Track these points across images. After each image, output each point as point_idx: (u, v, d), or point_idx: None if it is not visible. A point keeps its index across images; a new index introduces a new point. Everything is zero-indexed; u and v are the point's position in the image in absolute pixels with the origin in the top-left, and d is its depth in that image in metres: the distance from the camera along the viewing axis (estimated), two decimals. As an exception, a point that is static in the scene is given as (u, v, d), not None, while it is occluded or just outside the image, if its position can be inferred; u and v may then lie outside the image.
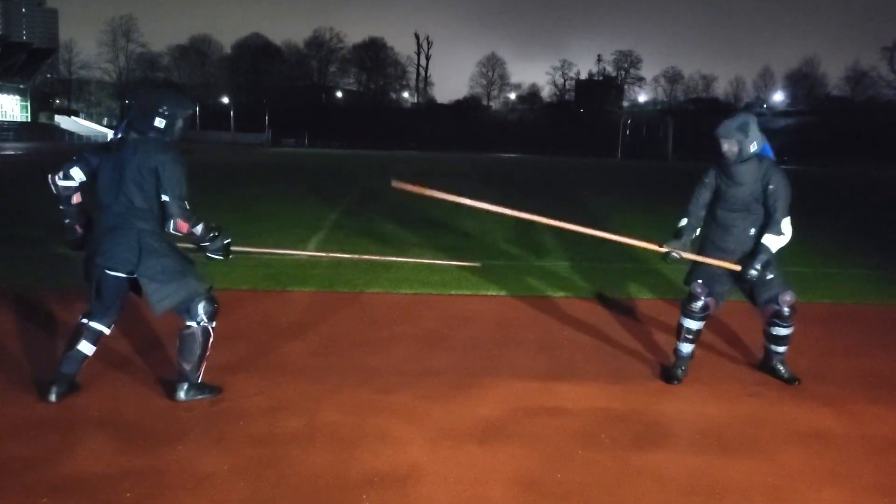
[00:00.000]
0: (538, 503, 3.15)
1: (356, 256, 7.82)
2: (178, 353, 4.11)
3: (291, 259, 8.54)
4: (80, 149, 4.19)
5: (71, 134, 75.68)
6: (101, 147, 4.14)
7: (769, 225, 4.47)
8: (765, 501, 3.20)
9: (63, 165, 4.02)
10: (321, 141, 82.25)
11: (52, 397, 4.03)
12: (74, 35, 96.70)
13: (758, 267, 4.42)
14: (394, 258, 8.29)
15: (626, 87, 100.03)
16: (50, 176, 4.05)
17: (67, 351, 4.10)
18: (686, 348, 4.73)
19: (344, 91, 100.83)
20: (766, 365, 4.85)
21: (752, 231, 4.57)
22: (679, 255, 4.59)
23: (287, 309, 6.33)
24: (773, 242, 4.46)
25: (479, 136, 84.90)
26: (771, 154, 4.60)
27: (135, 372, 4.56)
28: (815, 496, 3.24)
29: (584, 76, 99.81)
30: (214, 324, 4.15)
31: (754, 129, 4.43)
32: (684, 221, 4.72)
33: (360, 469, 3.40)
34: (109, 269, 3.97)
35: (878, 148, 61.93)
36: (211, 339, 4.14)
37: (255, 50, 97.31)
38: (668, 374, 4.74)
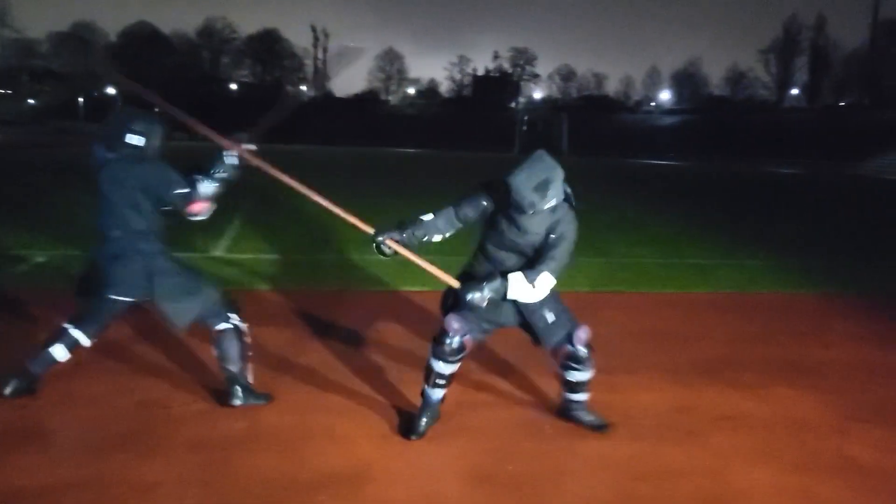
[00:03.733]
0: (493, 496, 3.21)
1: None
2: (219, 359, 4.02)
3: (208, 259, 8.29)
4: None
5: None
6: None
7: (530, 268, 3.66)
8: (705, 482, 3.38)
9: None
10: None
11: (7, 391, 3.90)
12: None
13: (483, 292, 3.58)
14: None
15: (521, 83, 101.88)
16: None
17: (40, 350, 3.96)
18: (437, 394, 3.86)
19: (239, 83, 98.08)
20: (566, 414, 4.01)
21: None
22: (391, 247, 3.76)
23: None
24: (516, 284, 3.60)
25: (378, 131, 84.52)
26: (572, 198, 3.75)
27: (56, 381, 4.30)
28: (748, 475, 3.45)
29: (480, 72, 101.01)
30: (245, 324, 4.07)
31: (555, 187, 3.55)
32: (428, 217, 3.82)
33: (312, 469, 3.36)
34: (122, 297, 3.87)
35: (753, 145, 65.64)
36: (247, 337, 4.05)
37: (143, 39, 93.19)
38: (409, 427, 3.81)
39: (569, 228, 3.69)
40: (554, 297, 3.83)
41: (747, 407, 4.33)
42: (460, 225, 3.83)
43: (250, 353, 4.11)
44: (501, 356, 5.13)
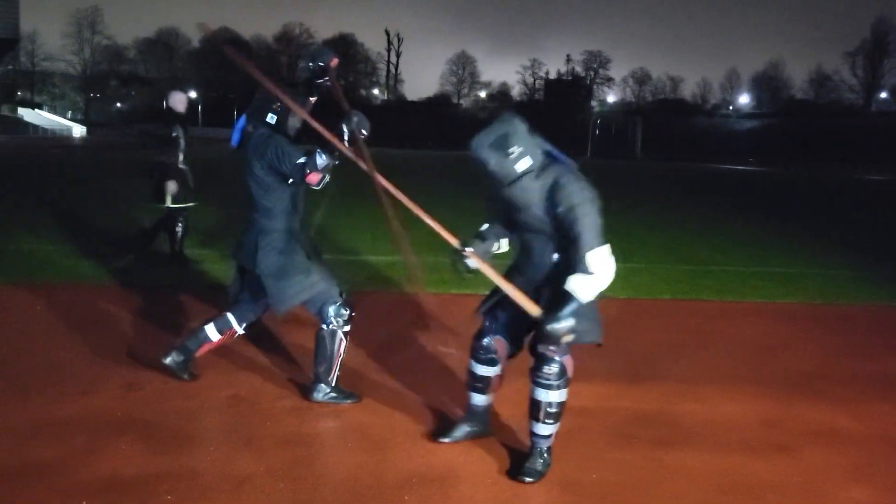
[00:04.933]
0: (578, 503, 3.19)
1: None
2: (313, 355, 4.16)
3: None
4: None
5: (35, 127, 74.06)
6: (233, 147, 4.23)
7: (575, 261, 3.13)
8: (796, 498, 3.28)
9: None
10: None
11: (167, 360, 4.26)
12: (38, 26, 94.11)
13: (562, 322, 3.09)
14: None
15: (595, 86, 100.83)
16: None
17: (197, 327, 4.32)
18: (476, 399, 3.68)
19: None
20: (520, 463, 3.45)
21: (556, 256, 3.32)
22: (474, 262, 3.41)
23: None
24: (583, 286, 3.11)
25: (450, 134, 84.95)
26: (562, 158, 3.28)
27: (150, 373, 4.48)
28: (845, 494, 3.32)
29: (553, 76, 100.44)
30: (348, 328, 4.14)
31: (519, 139, 3.11)
32: (486, 225, 3.61)
33: (397, 469, 3.40)
34: (241, 263, 4.17)
35: (839, 151, 63.24)
36: (344, 344, 4.13)
37: (224, 44, 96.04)
38: (444, 429, 3.76)
39: (573, 192, 3.12)
40: (589, 306, 3.27)
41: (840, 423, 4.18)
42: (502, 227, 3.59)
43: (342, 356, 4.14)
44: (584, 363, 5.09)
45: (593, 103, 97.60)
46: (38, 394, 4.11)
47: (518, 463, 3.46)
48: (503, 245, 3.64)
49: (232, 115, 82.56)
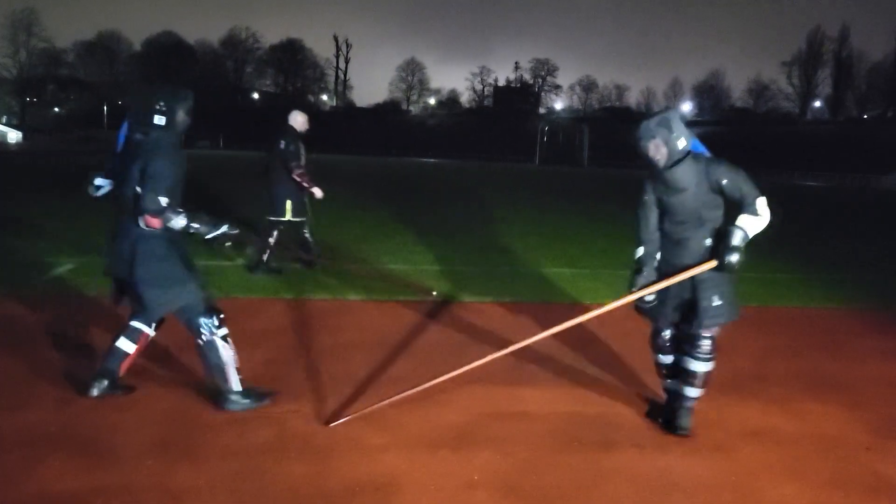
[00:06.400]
0: (521, 507, 3.21)
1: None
2: (204, 370, 4.12)
3: (232, 267, 8.36)
4: (101, 159, 4.25)
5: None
6: (117, 153, 4.12)
7: (743, 207, 3.84)
8: (734, 497, 3.36)
9: (88, 179, 4.19)
10: (237, 143, 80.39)
11: (94, 392, 4.08)
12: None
13: (735, 249, 3.75)
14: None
15: (542, 94, 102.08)
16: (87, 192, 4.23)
17: (109, 346, 4.15)
18: (670, 384, 4.27)
19: (261, 93, 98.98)
20: (666, 410, 4.20)
21: (708, 242, 3.96)
22: (651, 296, 4.08)
23: (234, 316, 6.15)
24: (750, 223, 3.82)
25: (399, 141, 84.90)
26: (705, 151, 4.06)
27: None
28: (778, 492, 3.42)
29: (501, 83, 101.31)
30: (225, 331, 4.09)
31: (678, 124, 3.85)
32: (641, 251, 4.13)
33: (339, 479, 3.38)
34: (114, 274, 4.04)
35: (776, 157, 65.17)
36: (227, 347, 4.08)
37: (167, 48, 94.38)
38: (670, 425, 4.11)
39: (727, 167, 3.87)
40: (729, 280, 3.98)
41: (774, 421, 4.29)
42: (657, 234, 4.11)
43: (233, 359, 4.11)
44: (523, 368, 5.13)
45: (541, 110, 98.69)
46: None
47: (466, 471, 3.47)
48: (657, 259, 4.14)
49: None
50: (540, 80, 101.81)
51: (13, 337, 5.31)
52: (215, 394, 4.14)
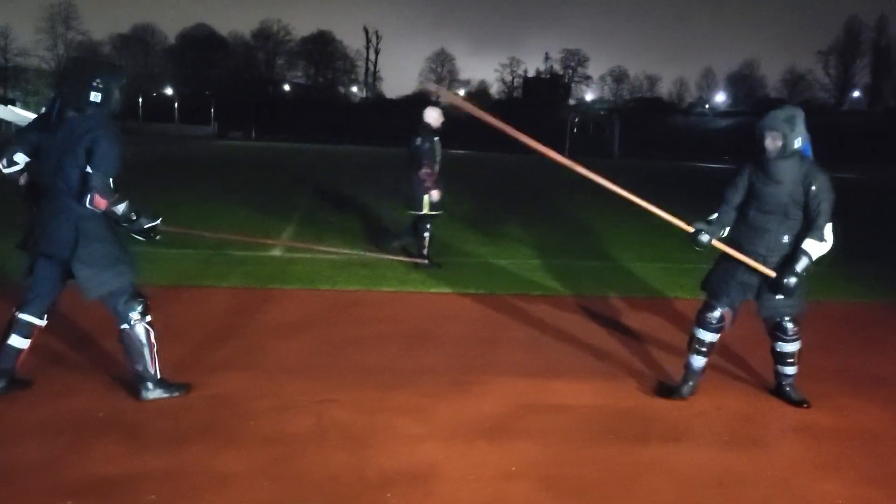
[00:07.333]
0: (558, 499, 3.24)
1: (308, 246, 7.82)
2: (125, 357, 4.07)
3: (268, 257, 8.49)
4: (18, 132, 4.08)
5: (8, 123, 72.82)
6: (40, 123, 3.95)
7: (811, 230, 4.11)
8: (773, 491, 3.35)
9: (5, 153, 3.94)
10: (268, 134, 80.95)
11: None
12: (10, 21, 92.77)
13: (798, 274, 4.09)
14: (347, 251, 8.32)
15: (573, 85, 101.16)
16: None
17: (1, 345, 4.00)
18: (697, 362, 4.41)
19: (292, 84, 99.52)
20: (777, 391, 4.57)
21: (787, 238, 4.20)
22: (709, 238, 4.20)
23: (272, 307, 6.29)
24: (815, 248, 4.12)
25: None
26: (810, 154, 4.26)
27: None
28: (819, 487, 3.40)
29: (531, 74, 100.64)
30: (149, 317, 4.07)
31: (801, 124, 4.09)
32: (715, 215, 4.36)
33: (378, 467, 3.43)
34: (47, 255, 3.90)
35: (812, 149, 64.01)
36: (151, 334, 4.06)
37: (201, 41, 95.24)
38: (671, 390, 4.45)
39: (825, 180, 4.09)
40: (804, 281, 4.23)
41: (813, 417, 4.26)
42: (734, 213, 4.35)
43: (154, 346, 4.07)
44: (556, 360, 5.14)
45: (571, 101, 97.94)
46: (14, 397, 4.05)
47: (504, 462, 3.51)
48: (724, 232, 4.34)
49: (209, 112, 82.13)
50: (570, 71, 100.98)
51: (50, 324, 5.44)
52: (134, 383, 4.10)
